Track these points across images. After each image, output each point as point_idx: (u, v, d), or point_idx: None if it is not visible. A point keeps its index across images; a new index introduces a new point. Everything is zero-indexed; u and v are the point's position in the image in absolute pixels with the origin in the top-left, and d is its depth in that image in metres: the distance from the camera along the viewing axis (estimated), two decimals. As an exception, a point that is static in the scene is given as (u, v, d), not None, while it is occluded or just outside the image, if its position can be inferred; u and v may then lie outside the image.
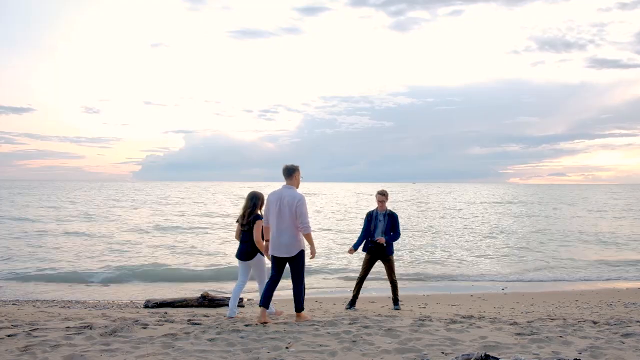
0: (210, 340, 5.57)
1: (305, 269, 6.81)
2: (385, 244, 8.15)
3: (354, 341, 5.54)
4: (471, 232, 25.64)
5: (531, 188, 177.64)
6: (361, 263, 8.56)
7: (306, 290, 6.97)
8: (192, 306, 8.69)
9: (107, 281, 12.70)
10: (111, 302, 9.99)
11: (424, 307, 8.83)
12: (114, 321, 6.38)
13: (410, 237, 23.29)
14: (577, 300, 9.88)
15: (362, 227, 8.51)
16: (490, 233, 25.23)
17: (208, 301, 8.77)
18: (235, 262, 7.33)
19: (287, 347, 5.31)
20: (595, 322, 6.79)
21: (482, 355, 4.10)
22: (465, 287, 12.55)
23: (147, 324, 6.20)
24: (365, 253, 8.39)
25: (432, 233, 25.33)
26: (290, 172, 6.66)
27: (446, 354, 5.06)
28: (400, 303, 8.57)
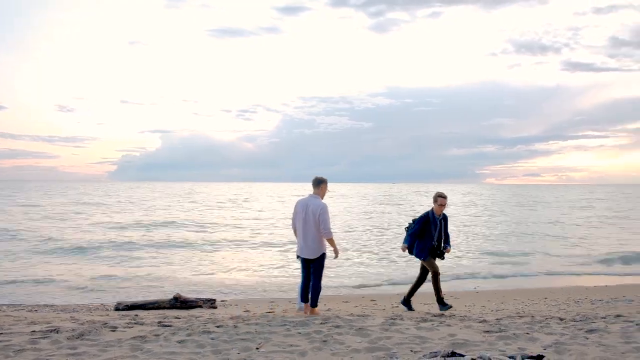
0: (180, 342, 5.52)
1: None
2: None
3: (324, 341, 5.56)
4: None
5: (506, 188, 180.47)
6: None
7: None
8: (164, 308, 8.61)
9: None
10: (81, 305, 9.83)
11: (397, 306, 8.91)
12: (82, 324, 6.28)
13: (392, 237, 23.46)
14: (546, 298, 10.09)
15: (410, 229, 8.13)
16: (463, 232, 25.56)
17: (180, 303, 8.70)
18: None
19: (257, 348, 5.30)
20: (561, 319, 6.94)
21: (449, 352, 4.16)
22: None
23: (116, 327, 6.12)
24: (424, 259, 8.06)
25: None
26: (318, 183, 7.41)
27: (415, 352, 5.11)
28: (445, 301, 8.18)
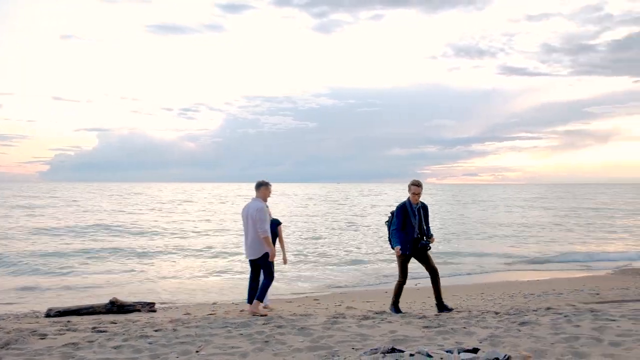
0: (116, 347, 5.32)
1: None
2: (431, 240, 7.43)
3: (266, 341, 5.51)
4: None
5: (447, 188, 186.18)
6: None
7: None
8: (100, 313, 8.26)
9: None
10: (8, 312, 9.25)
11: (340, 305, 8.97)
12: (8, 333, 5.93)
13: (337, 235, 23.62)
14: (483, 293, 10.46)
15: (390, 223, 7.58)
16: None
17: (117, 307, 8.38)
18: None
19: (197, 351, 5.18)
20: (497, 313, 7.21)
21: (388, 348, 4.22)
22: (381, 284, 12.89)
23: (45, 334, 5.82)
24: (402, 254, 7.41)
25: (354, 231, 25.85)
26: (259, 186, 7.67)
27: (356, 350, 5.15)
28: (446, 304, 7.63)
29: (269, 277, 7.57)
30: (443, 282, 11.98)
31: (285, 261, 8.44)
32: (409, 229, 7.37)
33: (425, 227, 7.46)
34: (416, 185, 7.39)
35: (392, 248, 7.49)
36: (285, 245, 8.56)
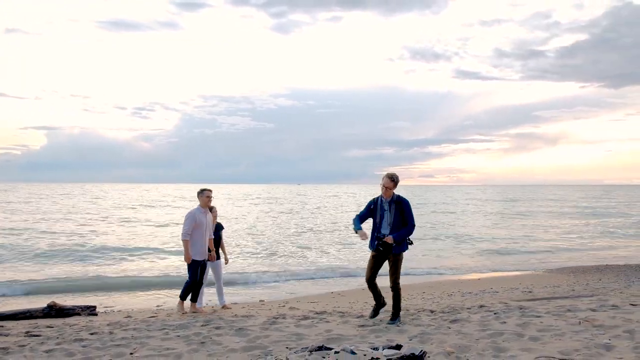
0: (48, 351, 5.27)
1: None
2: (394, 244, 6.57)
3: (202, 342, 5.58)
4: (339, 230, 26.74)
5: (403, 189, 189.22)
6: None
7: None
8: (37, 317, 8.07)
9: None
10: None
11: (284, 306, 9.08)
12: None
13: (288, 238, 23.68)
14: (424, 292, 10.79)
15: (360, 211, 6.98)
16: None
17: (56, 311, 8.21)
18: None
19: (131, 353, 5.20)
20: (432, 311, 7.49)
21: (316, 347, 4.37)
22: (328, 284, 13.07)
23: (-25, 340, 5.68)
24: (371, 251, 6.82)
25: (313, 232, 26.00)
26: (198, 194, 8.07)
27: (290, 349, 5.29)
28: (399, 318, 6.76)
29: (190, 278, 7.90)
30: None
31: (226, 261, 8.70)
32: (373, 225, 6.81)
33: (390, 225, 6.62)
34: (386, 178, 6.68)
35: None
36: (226, 248, 8.82)
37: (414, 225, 6.68)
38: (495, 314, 7.07)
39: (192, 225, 7.73)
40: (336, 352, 4.18)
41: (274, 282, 13.33)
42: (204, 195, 7.95)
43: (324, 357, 4.20)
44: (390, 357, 3.91)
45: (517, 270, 15.14)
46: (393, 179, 6.68)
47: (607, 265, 15.51)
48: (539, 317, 6.76)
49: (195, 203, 8.20)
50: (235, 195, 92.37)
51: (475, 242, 22.89)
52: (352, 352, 4.15)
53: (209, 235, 7.97)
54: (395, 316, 6.76)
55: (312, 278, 13.99)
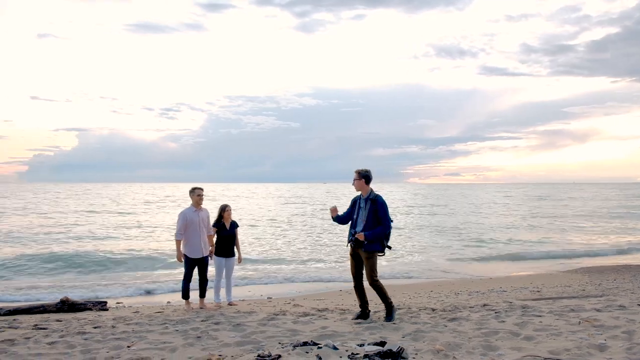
0: (50, 343, 5.49)
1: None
2: (365, 241, 6.49)
3: (198, 337, 5.72)
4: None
5: (430, 187, 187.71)
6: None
7: None
8: (50, 312, 8.37)
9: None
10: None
11: (289, 303, 9.19)
12: (-53, 330, 6.05)
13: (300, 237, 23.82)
14: (432, 291, 10.77)
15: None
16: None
17: (68, 306, 8.50)
18: None
19: (128, 347, 5.37)
20: (433, 310, 7.50)
21: (301, 342, 4.47)
22: (335, 284, 13.09)
23: (-16, 332, 5.95)
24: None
25: (322, 232, 26.12)
26: (189, 193, 8.21)
27: (283, 345, 5.38)
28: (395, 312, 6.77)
29: (184, 276, 8.08)
30: (405, 281, 11.88)
31: (239, 260, 8.72)
32: (352, 221, 6.78)
33: (364, 222, 6.56)
34: (355, 173, 6.69)
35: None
36: (240, 246, 8.85)
37: (389, 226, 6.57)
38: (496, 313, 7.04)
39: (183, 225, 7.87)
40: (319, 348, 4.26)
41: (285, 280, 13.46)
42: (195, 194, 8.07)
43: (307, 352, 4.29)
44: (368, 353, 3.98)
45: (531, 271, 14.93)
46: (360, 173, 6.64)
47: (625, 265, 15.16)
48: (539, 316, 6.71)
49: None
50: (261, 193, 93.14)
51: (496, 243, 22.62)
52: (335, 348, 4.23)
53: (205, 232, 8.09)
54: (388, 312, 6.73)
55: (324, 278, 14.04)
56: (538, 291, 10.01)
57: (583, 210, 44.79)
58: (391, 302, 6.80)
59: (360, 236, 6.48)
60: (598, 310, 7.08)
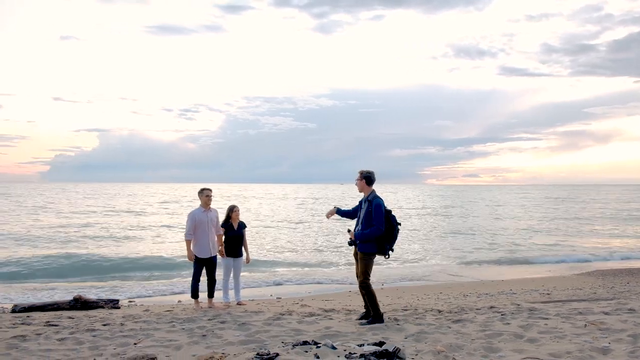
0: (60, 340, 5.64)
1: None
2: (354, 240, 6.62)
3: (204, 335, 5.83)
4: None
5: (447, 188, 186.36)
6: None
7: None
8: (63, 309, 8.57)
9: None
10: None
11: (297, 303, 9.26)
12: (-38, 326, 6.24)
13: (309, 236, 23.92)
14: (440, 293, 10.75)
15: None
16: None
17: (81, 304, 8.69)
18: None
19: (135, 344, 5.50)
20: (440, 311, 7.50)
21: (301, 342, 4.53)
22: (345, 285, 13.12)
23: (-2, 328, 6.13)
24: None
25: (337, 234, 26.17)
26: (198, 193, 8.33)
27: (285, 344, 5.46)
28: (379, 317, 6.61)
29: (193, 276, 8.20)
30: (416, 283, 11.76)
31: (247, 260, 8.83)
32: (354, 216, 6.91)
33: (360, 223, 6.65)
34: (358, 173, 6.81)
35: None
36: (248, 246, 8.97)
37: (380, 229, 6.46)
38: (502, 315, 7.02)
39: (192, 225, 7.98)
40: (318, 347, 4.33)
41: (296, 281, 13.54)
42: (204, 194, 8.17)
43: (306, 351, 4.36)
44: (364, 353, 4.03)
45: (544, 274, 14.78)
46: (362, 174, 6.72)
47: (640, 268, 14.94)
48: (546, 319, 6.68)
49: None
50: (277, 194, 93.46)
51: (510, 246, 22.42)
52: (333, 347, 4.29)
53: (215, 232, 8.20)
54: (366, 316, 6.71)
55: (335, 279, 14.08)
56: (548, 294, 9.93)
57: (603, 213, 44.10)
58: (379, 312, 6.65)
59: (351, 235, 6.61)
60: (606, 314, 7.02)
